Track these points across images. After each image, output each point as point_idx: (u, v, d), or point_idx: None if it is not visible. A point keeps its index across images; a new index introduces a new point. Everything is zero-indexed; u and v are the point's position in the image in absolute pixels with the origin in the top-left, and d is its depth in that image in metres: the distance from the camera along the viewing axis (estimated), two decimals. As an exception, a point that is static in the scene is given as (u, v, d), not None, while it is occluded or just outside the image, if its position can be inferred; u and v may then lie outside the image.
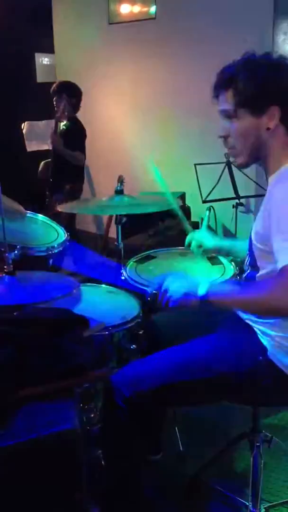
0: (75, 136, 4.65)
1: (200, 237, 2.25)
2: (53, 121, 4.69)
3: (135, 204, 2.54)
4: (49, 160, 4.84)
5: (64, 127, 4.65)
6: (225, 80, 1.71)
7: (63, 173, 4.66)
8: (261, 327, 1.77)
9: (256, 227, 1.72)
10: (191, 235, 2.28)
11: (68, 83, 4.74)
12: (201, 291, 1.66)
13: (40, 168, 4.92)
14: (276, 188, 1.64)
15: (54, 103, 4.62)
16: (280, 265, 1.48)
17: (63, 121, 4.65)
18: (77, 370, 1.36)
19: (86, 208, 2.55)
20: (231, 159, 1.85)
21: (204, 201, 3.86)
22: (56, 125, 4.59)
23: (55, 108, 4.62)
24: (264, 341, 1.75)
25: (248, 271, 1.85)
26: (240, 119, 1.70)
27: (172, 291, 1.72)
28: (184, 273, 1.76)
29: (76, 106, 4.70)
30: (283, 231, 1.51)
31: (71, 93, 4.64)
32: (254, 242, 1.74)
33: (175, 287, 1.72)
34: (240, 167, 1.85)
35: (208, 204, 3.80)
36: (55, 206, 4.29)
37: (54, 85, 4.67)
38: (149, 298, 1.89)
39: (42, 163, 4.90)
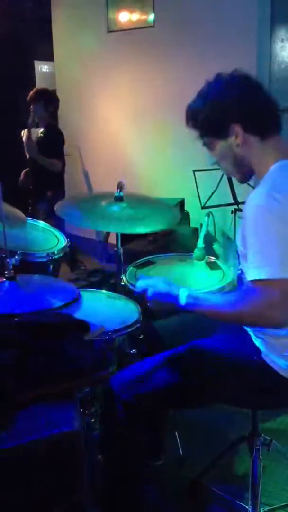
0: (52, 143, 4.63)
1: None
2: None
3: (133, 217, 2.50)
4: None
5: (41, 134, 4.65)
6: (188, 118, 1.82)
7: (42, 181, 4.64)
8: (254, 331, 1.79)
9: (238, 232, 1.78)
10: None
11: (45, 90, 4.73)
12: (181, 300, 1.71)
13: (21, 177, 4.88)
14: (250, 195, 1.68)
15: (31, 110, 4.59)
16: (247, 278, 1.59)
17: (41, 128, 4.66)
18: (78, 373, 1.38)
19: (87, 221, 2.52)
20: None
21: (203, 207, 3.88)
22: (29, 133, 4.55)
23: (31, 115, 4.59)
24: (258, 343, 1.78)
25: (239, 271, 1.89)
26: (214, 146, 1.80)
27: (154, 293, 1.79)
28: (169, 280, 1.82)
29: (53, 114, 4.70)
30: (253, 243, 1.59)
31: (49, 101, 4.63)
32: (238, 245, 1.78)
33: (158, 290, 1.78)
34: (241, 183, 1.90)
35: (207, 210, 3.82)
36: (39, 215, 4.32)
37: (32, 93, 4.64)
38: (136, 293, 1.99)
39: (23, 171, 4.85)
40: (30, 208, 4.67)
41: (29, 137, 4.56)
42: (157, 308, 1.85)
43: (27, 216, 2.65)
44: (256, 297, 1.55)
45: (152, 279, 1.86)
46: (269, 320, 1.55)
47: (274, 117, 1.75)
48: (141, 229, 2.56)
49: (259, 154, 1.73)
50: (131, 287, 2.35)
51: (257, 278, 1.54)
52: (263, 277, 1.52)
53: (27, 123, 4.56)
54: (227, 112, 1.70)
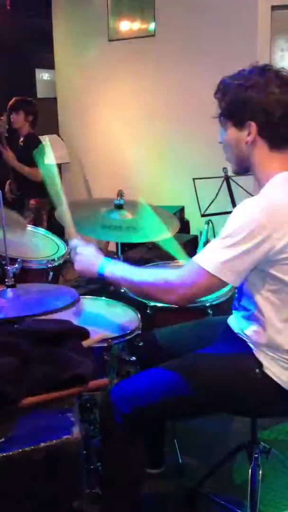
0: (31, 151, 4.63)
1: None
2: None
3: (133, 226, 2.51)
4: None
5: (21, 143, 4.65)
6: (219, 89, 1.78)
7: (25, 189, 4.62)
8: (253, 343, 1.78)
9: None
10: None
11: (25, 100, 4.72)
12: (100, 267, 1.89)
13: (7, 188, 4.82)
14: (245, 201, 1.69)
15: (11, 118, 4.59)
16: (194, 259, 1.69)
17: (20, 137, 4.66)
18: (77, 380, 1.38)
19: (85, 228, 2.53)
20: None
21: (203, 215, 3.89)
22: (2, 141, 4.54)
23: (12, 122, 4.60)
24: (260, 355, 1.77)
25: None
26: (227, 129, 1.78)
27: (80, 254, 1.98)
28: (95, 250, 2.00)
29: (32, 123, 4.69)
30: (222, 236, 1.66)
31: (28, 110, 4.63)
32: None
33: (84, 252, 1.98)
34: (234, 174, 1.91)
35: (206, 218, 3.83)
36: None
37: (12, 101, 4.64)
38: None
39: (8, 182, 4.80)
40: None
41: (4, 146, 4.56)
42: (79, 269, 1.97)
43: None
44: (184, 274, 1.70)
45: (85, 245, 2.01)
46: (172, 296, 1.72)
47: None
48: (140, 238, 2.56)
49: (263, 159, 1.72)
50: (130, 295, 2.35)
51: (200, 263, 1.65)
52: (204, 266, 1.63)
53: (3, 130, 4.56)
54: (252, 108, 1.68)
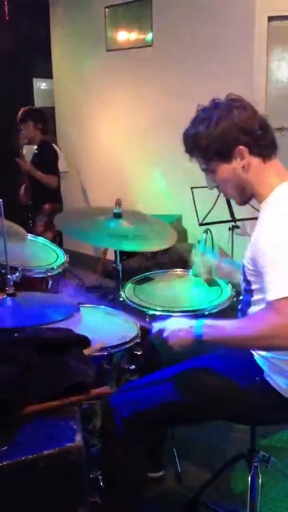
0: (46, 159, 4.76)
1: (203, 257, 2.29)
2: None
3: (132, 234, 2.52)
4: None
5: (36, 151, 4.75)
6: (188, 144, 1.80)
7: (40, 195, 4.75)
8: (254, 351, 1.80)
9: (248, 254, 1.77)
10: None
11: (32, 109, 4.87)
12: (197, 332, 1.70)
13: (21, 192, 4.97)
14: (263, 216, 1.69)
15: (21, 130, 4.71)
16: (268, 298, 1.53)
17: (34, 145, 4.76)
18: (79, 388, 1.39)
19: (84, 235, 2.56)
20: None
21: (201, 224, 3.90)
22: (21, 150, 4.69)
23: (20, 135, 4.72)
24: (260, 362, 1.78)
25: (243, 294, 1.90)
26: (217, 170, 1.78)
27: (169, 332, 1.78)
28: (181, 318, 1.84)
29: (43, 130, 4.79)
30: (274, 262, 1.55)
31: (37, 118, 4.74)
32: (247, 267, 1.78)
33: (172, 328, 1.78)
34: (239, 205, 1.90)
35: (204, 227, 3.84)
36: (38, 228, 4.40)
37: (19, 113, 4.75)
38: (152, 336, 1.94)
39: (22, 187, 4.95)
40: (30, 222, 4.72)
41: (21, 155, 4.70)
42: (178, 347, 1.78)
43: (27, 232, 2.68)
44: (277, 317, 1.50)
45: (164, 320, 1.84)
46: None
47: (272, 137, 1.77)
48: (139, 247, 2.57)
49: (261, 176, 1.73)
50: (130, 304, 2.36)
51: (277, 297, 1.49)
52: (284, 295, 1.49)
53: (18, 143, 4.71)
54: (232, 134, 1.70)
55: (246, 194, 1.80)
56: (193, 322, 1.73)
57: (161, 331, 1.82)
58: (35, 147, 4.78)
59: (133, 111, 5.39)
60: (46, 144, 4.82)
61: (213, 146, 1.73)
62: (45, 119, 4.84)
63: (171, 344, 1.78)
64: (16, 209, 5.15)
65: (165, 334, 1.80)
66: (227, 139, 1.71)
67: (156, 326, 1.86)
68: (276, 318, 1.50)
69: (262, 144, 1.72)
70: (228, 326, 1.69)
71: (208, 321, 1.73)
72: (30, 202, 4.81)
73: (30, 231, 4.47)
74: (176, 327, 1.77)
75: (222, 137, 1.71)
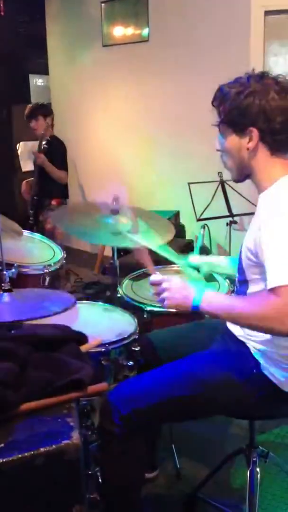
0: (57, 154, 4.73)
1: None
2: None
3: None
4: (31, 179, 4.87)
5: (45, 145, 4.71)
6: (217, 97, 1.77)
7: (48, 190, 4.71)
8: (253, 344, 1.80)
9: (247, 244, 1.76)
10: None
11: (39, 104, 4.85)
12: (196, 300, 1.68)
13: (23, 188, 4.95)
14: (263, 206, 1.68)
15: (32, 126, 4.71)
16: (270, 285, 1.50)
17: (44, 140, 4.72)
18: (76, 385, 1.38)
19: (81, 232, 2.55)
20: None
21: (198, 219, 3.90)
22: (41, 143, 4.66)
23: (34, 129, 4.71)
24: (257, 355, 1.78)
25: (238, 286, 1.89)
26: (227, 136, 1.77)
27: (168, 288, 1.74)
28: (185, 279, 1.78)
29: (51, 125, 4.79)
30: (274, 250, 1.53)
31: (46, 112, 4.74)
32: (245, 257, 1.77)
33: (172, 286, 1.74)
34: (235, 181, 1.89)
35: (202, 222, 3.84)
36: (46, 224, 4.39)
37: (27, 111, 4.75)
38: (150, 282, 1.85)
39: (24, 182, 4.93)
40: (31, 219, 4.70)
41: (39, 148, 4.67)
42: (172, 306, 1.74)
43: (27, 228, 2.67)
44: (279, 302, 1.48)
45: (169, 278, 1.78)
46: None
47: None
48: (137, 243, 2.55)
49: (265, 164, 1.72)
50: (127, 299, 2.35)
51: (280, 284, 1.47)
52: (286, 282, 1.46)
53: (39, 134, 4.68)
54: (253, 115, 1.68)
55: (243, 175, 1.80)
56: (193, 289, 1.70)
57: (161, 281, 1.76)
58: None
59: (130, 106, 5.38)
60: (57, 138, 4.79)
61: (232, 113, 1.71)
62: (52, 114, 4.83)
63: (165, 302, 1.74)
64: (15, 205, 5.16)
65: (159, 291, 1.75)
66: (246, 115, 1.69)
67: (154, 280, 1.79)
68: (280, 302, 1.48)
69: (277, 138, 1.70)
70: (229, 300, 1.69)
71: (210, 292, 1.71)
72: (35, 198, 4.75)
73: (30, 227, 4.50)
74: (177, 286, 1.74)
75: (243, 110, 1.69)
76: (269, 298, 1.51)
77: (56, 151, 4.71)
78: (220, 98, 1.76)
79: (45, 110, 4.76)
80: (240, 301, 1.68)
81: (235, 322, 1.74)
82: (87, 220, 2.50)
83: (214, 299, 1.69)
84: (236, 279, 1.91)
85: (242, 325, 1.73)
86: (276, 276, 1.49)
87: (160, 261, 2.87)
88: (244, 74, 1.76)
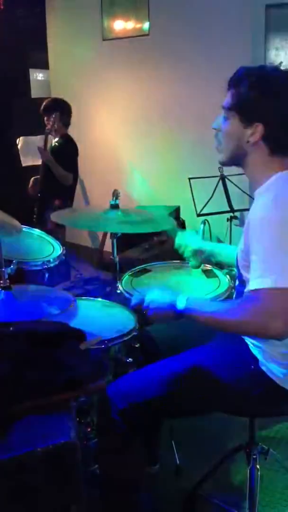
0: (67, 154, 4.64)
1: (185, 239, 2.29)
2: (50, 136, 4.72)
3: (130, 221, 2.50)
4: (38, 176, 4.82)
5: (56, 143, 4.66)
6: (233, 80, 1.71)
7: (52, 189, 4.62)
8: (251, 340, 1.78)
9: (240, 243, 1.74)
10: (179, 237, 2.32)
11: (60, 100, 4.74)
12: (179, 306, 1.68)
13: (30, 184, 4.89)
14: (254, 205, 1.66)
15: (45, 119, 4.61)
16: (251, 286, 1.52)
17: (55, 137, 4.67)
18: (74, 383, 1.37)
19: (81, 223, 2.56)
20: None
21: (199, 215, 3.88)
22: (46, 139, 4.59)
23: (46, 123, 4.62)
24: (255, 351, 1.77)
25: (237, 283, 1.88)
26: (230, 120, 1.72)
27: (151, 302, 1.76)
28: (165, 287, 1.82)
29: (67, 124, 4.71)
30: (257, 252, 1.54)
31: (64, 110, 4.64)
32: (240, 258, 1.76)
33: (154, 298, 1.76)
34: (220, 164, 1.86)
35: (202, 218, 3.82)
36: (48, 223, 4.35)
37: (47, 102, 4.66)
38: (132, 307, 1.94)
39: (32, 179, 4.86)
40: (34, 216, 4.67)
41: (45, 145, 4.60)
42: (156, 318, 1.77)
43: (31, 225, 2.66)
44: (258, 306, 1.49)
45: (147, 290, 1.82)
46: (270, 330, 1.48)
47: None
48: (138, 229, 2.56)
49: (263, 162, 1.69)
50: (127, 295, 2.34)
51: (259, 287, 1.49)
52: (266, 285, 1.48)
53: (46, 130, 4.59)
54: (262, 109, 1.64)
55: (233, 160, 1.77)
56: (175, 297, 1.70)
57: (141, 301, 1.80)
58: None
59: (130, 100, 5.35)
60: (68, 139, 4.69)
61: (242, 101, 1.67)
62: (70, 113, 4.71)
63: (150, 317, 1.77)
64: (21, 201, 5.13)
65: (145, 305, 1.77)
66: (255, 107, 1.65)
67: (136, 297, 1.84)
68: (260, 307, 1.49)
69: (281, 143, 1.67)
70: (210, 307, 1.70)
71: (191, 299, 1.70)
72: (39, 195, 4.70)
73: (33, 225, 4.46)
74: (157, 299, 1.75)
75: (252, 102, 1.65)
76: (248, 303, 1.54)
77: (64, 151, 4.62)
78: (236, 80, 1.69)
79: (63, 107, 4.65)
80: (221, 308, 1.68)
81: (217, 329, 1.77)
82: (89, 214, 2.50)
83: (194, 310, 1.68)
84: (236, 276, 1.90)
85: (225, 331, 1.76)
86: (257, 278, 1.51)
87: (159, 257, 2.87)
88: (269, 63, 1.71)
